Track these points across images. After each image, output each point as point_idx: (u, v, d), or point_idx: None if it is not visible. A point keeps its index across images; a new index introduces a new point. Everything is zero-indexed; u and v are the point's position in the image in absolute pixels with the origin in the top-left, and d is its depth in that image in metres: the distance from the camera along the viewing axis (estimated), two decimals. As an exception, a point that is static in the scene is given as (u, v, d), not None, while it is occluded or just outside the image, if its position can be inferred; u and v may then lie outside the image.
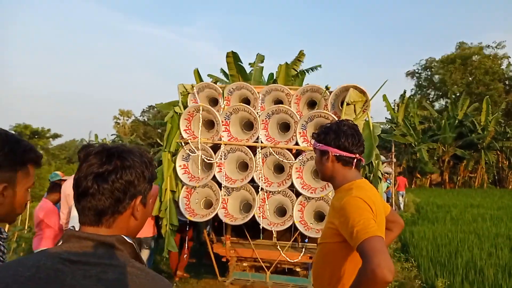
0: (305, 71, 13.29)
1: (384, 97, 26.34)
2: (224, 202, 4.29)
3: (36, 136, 30.00)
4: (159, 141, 43.82)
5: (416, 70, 38.83)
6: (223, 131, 4.30)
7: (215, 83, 13.25)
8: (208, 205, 4.50)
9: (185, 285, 5.64)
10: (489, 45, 35.07)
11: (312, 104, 4.68)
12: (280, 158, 4.13)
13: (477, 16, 79.96)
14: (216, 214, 4.25)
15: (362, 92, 4.38)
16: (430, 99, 37.51)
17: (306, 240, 4.21)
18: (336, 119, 4.02)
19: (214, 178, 4.27)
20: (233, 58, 11.47)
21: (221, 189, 4.26)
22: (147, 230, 5.10)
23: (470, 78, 34.04)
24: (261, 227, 4.19)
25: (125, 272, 0.99)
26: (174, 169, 4.34)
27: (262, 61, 14.17)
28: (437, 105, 36.44)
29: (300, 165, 4.10)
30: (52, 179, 5.62)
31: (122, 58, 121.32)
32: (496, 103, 30.08)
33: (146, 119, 51.65)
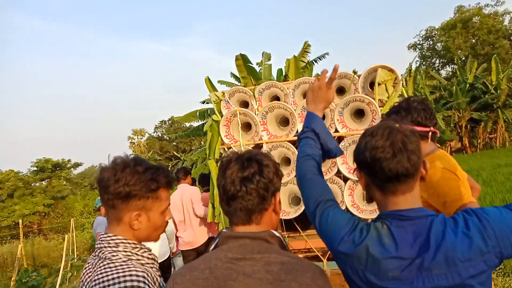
0: (313, 61, 13.37)
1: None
2: (274, 198, 4.41)
3: (58, 169, 30.47)
4: (175, 153, 44.40)
5: (418, 42, 38.53)
6: (262, 130, 4.42)
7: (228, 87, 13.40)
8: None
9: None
10: (487, 4, 34.77)
11: (340, 90, 4.78)
12: (322, 148, 4.23)
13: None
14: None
15: (391, 70, 4.46)
16: (436, 68, 37.19)
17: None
18: (372, 100, 4.11)
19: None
20: (243, 60, 11.62)
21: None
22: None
23: (473, 40, 33.66)
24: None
25: (285, 262, 1.12)
26: (221, 174, 4.47)
27: (269, 59, 14.30)
28: (443, 73, 36.14)
29: (344, 151, 4.20)
30: (97, 204, 5.90)
31: (125, 78, 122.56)
32: (504, 61, 29.72)
33: (160, 134, 52.35)
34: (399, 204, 1.24)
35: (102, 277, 1.18)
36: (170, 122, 52.65)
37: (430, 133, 1.92)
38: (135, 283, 1.16)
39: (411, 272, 1.13)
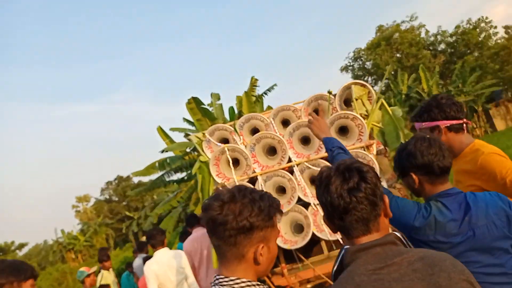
0: (263, 94, 13.63)
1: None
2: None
3: (1, 253, 28.20)
4: (127, 213, 42.49)
5: (348, 63, 40.73)
6: (253, 163, 4.35)
7: (187, 135, 13.23)
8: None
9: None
10: (403, 21, 37.67)
11: (315, 113, 4.86)
12: (318, 169, 4.23)
13: None
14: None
15: (363, 85, 4.63)
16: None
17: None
18: (356, 115, 4.21)
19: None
20: (195, 103, 11.61)
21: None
22: None
23: (398, 55, 36.15)
24: (323, 239, 4.24)
25: (422, 256, 1.07)
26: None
27: (218, 99, 14.40)
28: (377, 88, 38.27)
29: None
30: (80, 278, 5.46)
31: (59, 145, 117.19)
32: (429, 69, 32.06)
33: (108, 196, 50.01)
34: (445, 188, 1.72)
35: None
36: (116, 181, 50.70)
37: (465, 125, 1.97)
38: None
39: (464, 227, 1.59)
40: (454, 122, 1.95)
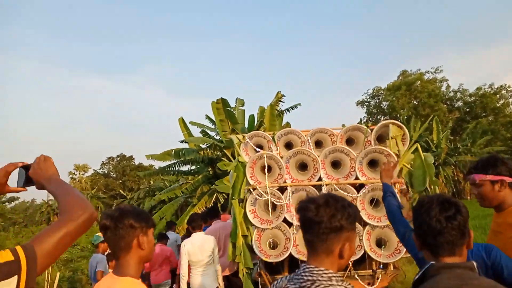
0: (285, 110, 14.00)
1: (343, 126, 27.70)
2: (294, 240, 4.60)
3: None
4: (122, 192, 42.70)
5: (365, 99, 41.26)
6: (286, 173, 4.67)
7: (203, 131, 13.54)
8: (274, 245, 4.78)
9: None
10: (428, 71, 38.28)
11: (348, 141, 5.19)
12: (344, 193, 4.54)
13: (414, 45, 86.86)
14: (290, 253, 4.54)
15: (400, 127, 4.97)
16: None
17: (381, 266, 4.58)
18: (391, 152, 4.54)
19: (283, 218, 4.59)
20: (223, 104, 11.99)
21: (290, 228, 4.59)
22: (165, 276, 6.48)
23: (415, 102, 36.65)
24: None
25: (490, 285, 1.38)
26: (245, 214, 4.62)
27: (242, 105, 14.78)
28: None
29: (362, 198, 4.54)
30: (95, 242, 5.76)
31: (71, 113, 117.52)
32: (442, 122, 32.51)
33: (106, 171, 50.26)
34: None
35: None
36: (118, 159, 50.96)
37: None
38: None
39: None
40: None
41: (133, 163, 48.48)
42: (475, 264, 1.44)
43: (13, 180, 1.54)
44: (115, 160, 50.22)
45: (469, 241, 1.49)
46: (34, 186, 1.46)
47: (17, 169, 1.51)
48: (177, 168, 13.02)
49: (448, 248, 1.43)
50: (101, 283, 1.73)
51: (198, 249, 4.83)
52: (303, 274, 1.48)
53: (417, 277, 1.48)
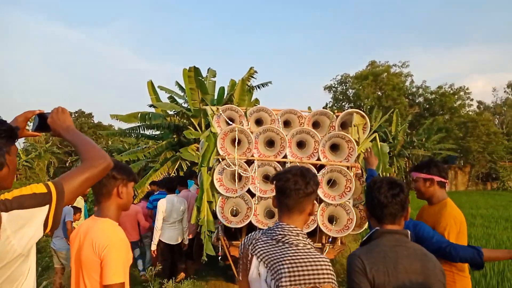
0: (256, 87, 14.22)
1: (309, 109, 28.31)
2: (254, 210, 4.97)
3: None
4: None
5: (333, 84, 42.07)
6: (254, 148, 4.99)
7: (171, 96, 13.55)
8: (236, 213, 5.14)
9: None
10: (395, 64, 39.42)
11: (314, 124, 5.57)
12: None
13: (386, 37, 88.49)
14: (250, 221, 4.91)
15: (363, 116, 5.39)
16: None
17: (330, 240, 5.05)
18: (351, 138, 4.95)
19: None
20: (195, 73, 12.02)
21: (252, 198, 4.95)
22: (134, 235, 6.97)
23: (379, 93, 37.80)
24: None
25: (421, 248, 1.78)
26: (212, 182, 4.92)
27: (214, 76, 14.85)
28: (350, 116, 39.77)
29: (321, 177, 4.95)
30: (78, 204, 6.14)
31: (27, 60, 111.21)
32: (402, 115, 33.87)
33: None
34: None
35: (307, 258, 1.64)
36: (76, 115, 49.41)
37: (446, 183, 2.73)
38: (330, 267, 1.66)
39: None
40: (443, 180, 2.70)
41: (92, 121, 47.29)
42: (409, 232, 1.83)
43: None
44: (73, 116, 48.68)
45: (407, 214, 1.87)
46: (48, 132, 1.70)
47: (34, 116, 1.73)
48: (140, 132, 13.06)
49: (390, 218, 1.81)
50: (84, 224, 1.96)
51: (173, 208, 5.78)
52: (275, 229, 1.79)
53: (364, 239, 1.86)
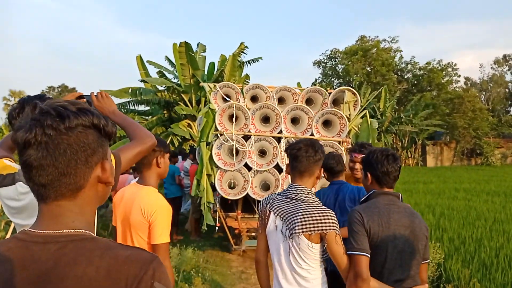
0: (246, 62, 14.31)
1: (298, 84, 28.49)
2: (251, 182, 5.25)
3: None
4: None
5: (322, 60, 42.10)
6: (251, 124, 5.23)
7: (160, 71, 13.56)
8: (234, 185, 5.42)
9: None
10: (385, 39, 39.53)
11: (308, 101, 5.81)
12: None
13: (375, 11, 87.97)
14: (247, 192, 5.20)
15: (354, 93, 5.65)
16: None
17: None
18: (343, 115, 5.21)
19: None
20: (186, 48, 12.08)
21: (249, 172, 5.22)
22: None
23: (369, 69, 38.01)
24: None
25: (410, 207, 2.09)
26: (210, 156, 5.17)
27: (204, 51, 14.87)
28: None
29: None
30: None
31: (3, 30, 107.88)
32: (390, 91, 34.23)
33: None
34: None
35: (316, 211, 1.96)
36: (60, 89, 48.75)
37: None
38: (334, 218, 1.97)
39: None
40: None
41: (77, 96, 46.64)
42: (400, 194, 2.12)
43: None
44: (56, 90, 48.01)
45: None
46: None
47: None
48: (131, 107, 13.14)
49: (389, 182, 2.10)
50: (127, 190, 2.22)
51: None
52: (290, 189, 2.13)
53: (363, 198, 2.16)
